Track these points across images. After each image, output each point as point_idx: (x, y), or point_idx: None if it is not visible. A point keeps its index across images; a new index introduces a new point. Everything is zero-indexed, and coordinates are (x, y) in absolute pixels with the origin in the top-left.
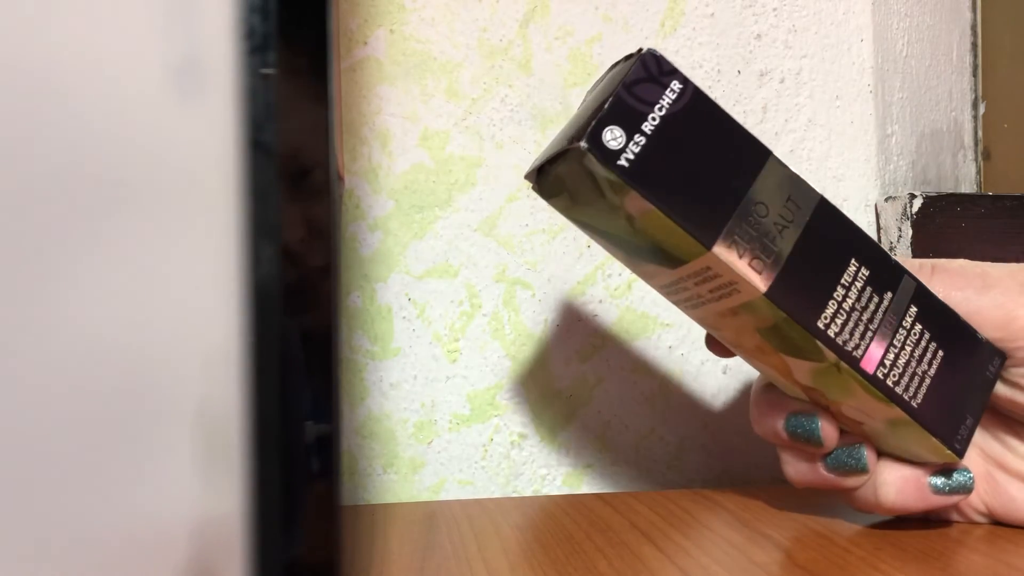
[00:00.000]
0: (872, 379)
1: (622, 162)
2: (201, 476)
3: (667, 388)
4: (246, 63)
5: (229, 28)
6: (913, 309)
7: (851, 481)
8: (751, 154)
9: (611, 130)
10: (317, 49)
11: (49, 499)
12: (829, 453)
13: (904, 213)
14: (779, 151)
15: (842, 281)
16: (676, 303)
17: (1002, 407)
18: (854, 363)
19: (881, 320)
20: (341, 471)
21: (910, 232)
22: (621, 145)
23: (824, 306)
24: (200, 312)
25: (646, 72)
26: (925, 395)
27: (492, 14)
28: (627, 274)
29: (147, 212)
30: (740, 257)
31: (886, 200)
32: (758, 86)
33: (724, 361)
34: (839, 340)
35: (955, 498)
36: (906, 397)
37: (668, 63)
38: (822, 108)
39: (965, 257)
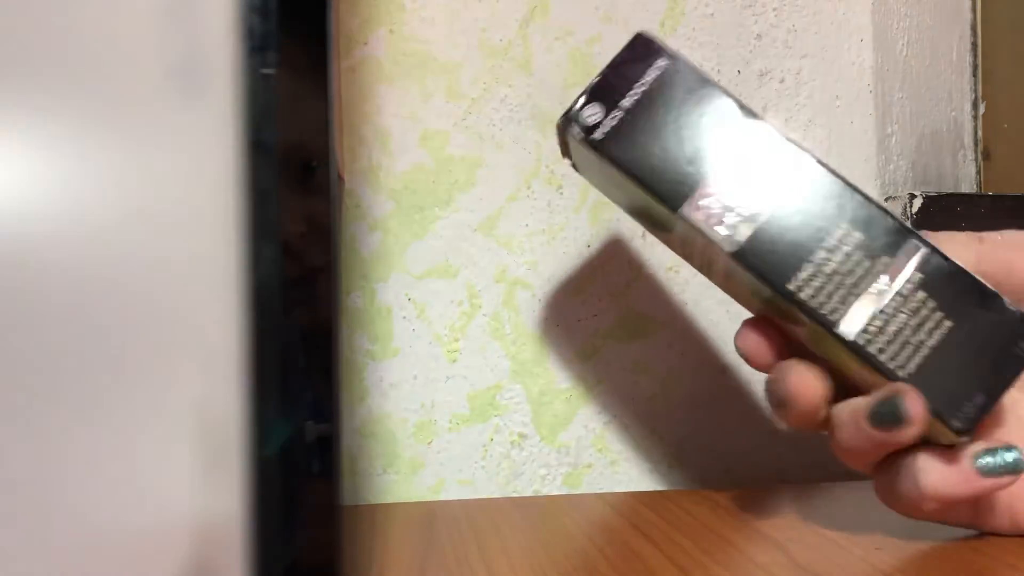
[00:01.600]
0: (851, 345)
1: (597, 135)
2: (201, 476)
3: (667, 388)
4: (246, 63)
5: (229, 28)
6: (917, 276)
7: (896, 435)
8: (735, 121)
9: (591, 107)
10: (317, 49)
11: (50, 499)
12: (870, 411)
13: (904, 213)
14: None
15: (825, 244)
16: (697, 270)
17: None
18: (829, 327)
19: (869, 285)
20: (341, 471)
21: None
22: (598, 120)
23: (798, 269)
24: (200, 312)
25: (633, 53)
26: (920, 366)
27: (492, 14)
28: (627, 274)
29: (147, 211)
30: (708, 220)
31: (886, 200)
32: (758, 86)
33: (724, 361)
34: (812, 303)
35: (1004, 480)
36: (892, 366)
37: (657, 44)
38: (822, 108)
39: None
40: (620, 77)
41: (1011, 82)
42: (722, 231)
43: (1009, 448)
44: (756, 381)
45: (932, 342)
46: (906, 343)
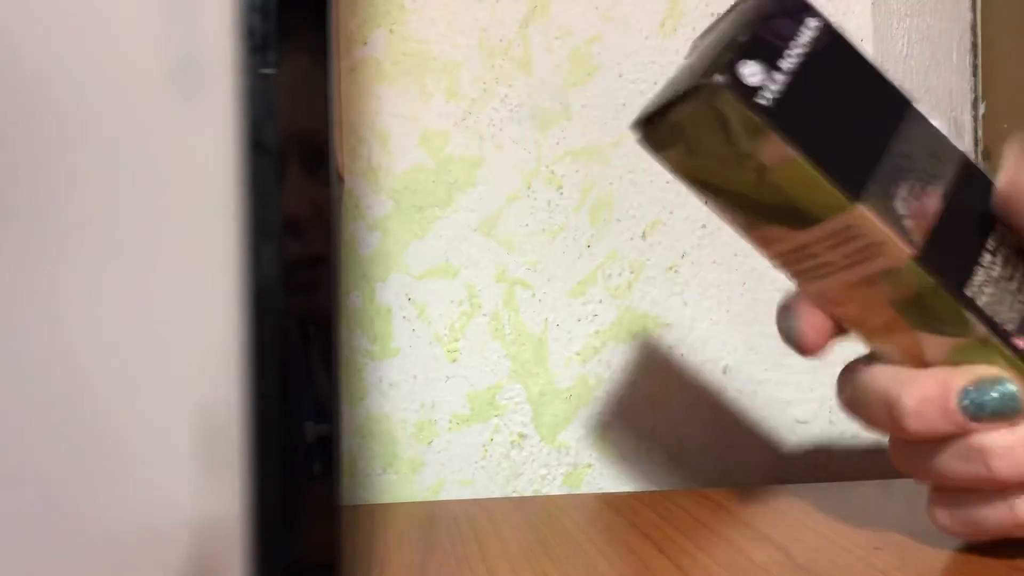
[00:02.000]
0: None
1: (762, 100)
2: (201, 476)
3: (667, 388)
4: (246, 63)
5: (229, 28)
6: None
7: None
8: (893, 102)
9: (749, 65)
10: (317, 49)
11: (49, 499)
12: None
13: None
14: None
15: (987, 247)
16: (795, 274)
17: None
18: (1005, 337)
19: None
20: (341, 471)
21: None
22: (760, 81)
23: (972, 273)
24: (200, 312)
25: (780, 6)
26: None
27: (492, 14)
28: (627, 274)
29: (147, 212)
30: (889, 214)
31: None
32: None
33: (724, 361)
34: (989, 312)
35: (995, 423)
36: None
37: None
38: None
39: None
40: (774, 34)
41: (1011, 82)
42: (905, 227)
43: (1003, 381)
44: (756, 381)
45: None
46: None
